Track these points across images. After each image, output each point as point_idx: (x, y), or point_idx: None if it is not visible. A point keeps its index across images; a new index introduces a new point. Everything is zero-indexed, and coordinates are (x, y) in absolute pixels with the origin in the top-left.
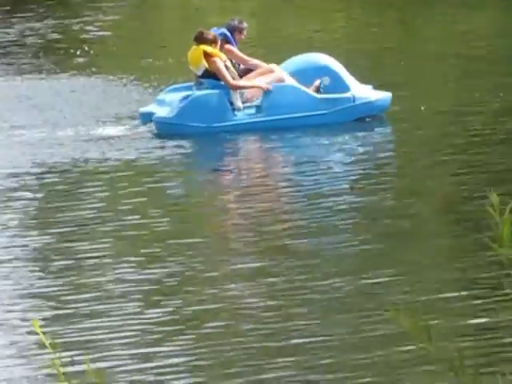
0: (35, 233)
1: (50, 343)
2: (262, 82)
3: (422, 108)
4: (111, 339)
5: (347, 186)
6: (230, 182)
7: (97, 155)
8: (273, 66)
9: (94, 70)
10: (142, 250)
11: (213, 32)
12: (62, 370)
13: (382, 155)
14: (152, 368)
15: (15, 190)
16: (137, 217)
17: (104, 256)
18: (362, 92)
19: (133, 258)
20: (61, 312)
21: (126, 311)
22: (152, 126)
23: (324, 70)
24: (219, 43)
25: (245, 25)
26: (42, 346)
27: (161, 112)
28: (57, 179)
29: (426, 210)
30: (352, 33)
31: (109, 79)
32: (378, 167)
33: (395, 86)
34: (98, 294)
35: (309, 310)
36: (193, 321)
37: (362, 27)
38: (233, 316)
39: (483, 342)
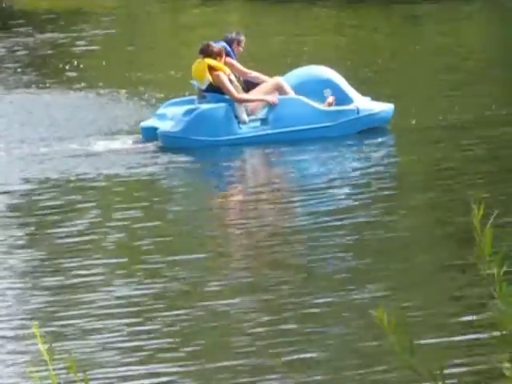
0: (27, 249)
1: (49, 354)
2: (267, 95)
3: (413, 122)
4: (103, 356)
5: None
6: (228, 196)
7: (90, 170)
8: (277, 78)
9: (83, 84)
10: (136, 266)
11: (218, 45)
12: None
13: (380, 169)
14: None
15: (6, 206)
16: (131, 232)
17: (97, 273)
18: (366, 104)
19: (126, 274)
20: (54, 329)
21: (118, 327)
22: (152, 141)
23: (327, 83)
24: (224, 57)
25: (243, 37)
26: (33, 363)
27: (165, 126)
28: (48, 195)
29: (421, 225)
30: (340, 46)
31: (100, 94)
32: (373, 182)
33: (385, 100)
34: (90, 310)
35: (301, 326)
36: (186, 336)
37: (350, 40)
38: (225, 332)
39: (470, 359)
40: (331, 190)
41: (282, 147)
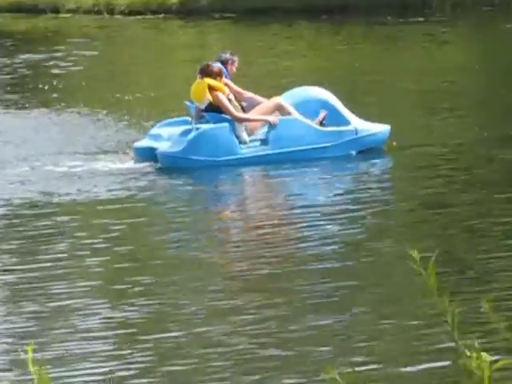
0: (10, 272)
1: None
2: (268, 115)
3: (394, 143)
4: (86, 381)
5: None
6: (219, 218)
7: (74, 191)
8: (277, 98)
9: (63, 104)
10: (117, 286)
11: (217, 65)
12: None
13: (369, 191)
14: None
15: None
16: (114, 255)
17: (80, 296)
18: (363, 125)
19: (109, 298)
20: (37, 354)
21: (100, 350)
22: (147, 161)
23: (323, 104)
24: (223, 77)
25: (236, 57)
26: None
27: (162, 146)
28: (31, 216)
29: (405, 253)
30: (318, 67)
31: (80, 114)
32: (364, 207)
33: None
34: (74, 334)
35: (281, 351)
36: (164, 361)
37: (330, 62)
38: (204, 356)
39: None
40: (323, 214)
41: (282, 167)
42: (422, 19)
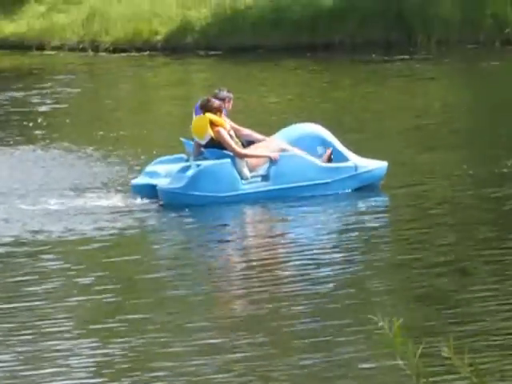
0: None
1: None
2: (268, 151)
3: (381, 182)
4: None
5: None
6: (205, 257)
7: (60, 228)
8: (280, 143)
9: (48, 141)
10: (104, 325)
11: (217, 101)
12: None
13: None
14: None
15: None
16: (100, 294)
17: (67, 337)
18: (361, 161)
19: (95, 336)
20: None
21: None
22: (143, 198)
23: (321, 141)
24: (223, 112)
25: (232, 94)
26: None
27: (161, 183)
28: (16, 253)
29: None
30: (303, 105)
31: (66, 151)
32: (362, 243)
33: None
34: (59, 368)
35: None
36: None
37: (316, 98)
38: None
39: None
40: (316, 254)
41: (282, 204)
42: (407, 57)
